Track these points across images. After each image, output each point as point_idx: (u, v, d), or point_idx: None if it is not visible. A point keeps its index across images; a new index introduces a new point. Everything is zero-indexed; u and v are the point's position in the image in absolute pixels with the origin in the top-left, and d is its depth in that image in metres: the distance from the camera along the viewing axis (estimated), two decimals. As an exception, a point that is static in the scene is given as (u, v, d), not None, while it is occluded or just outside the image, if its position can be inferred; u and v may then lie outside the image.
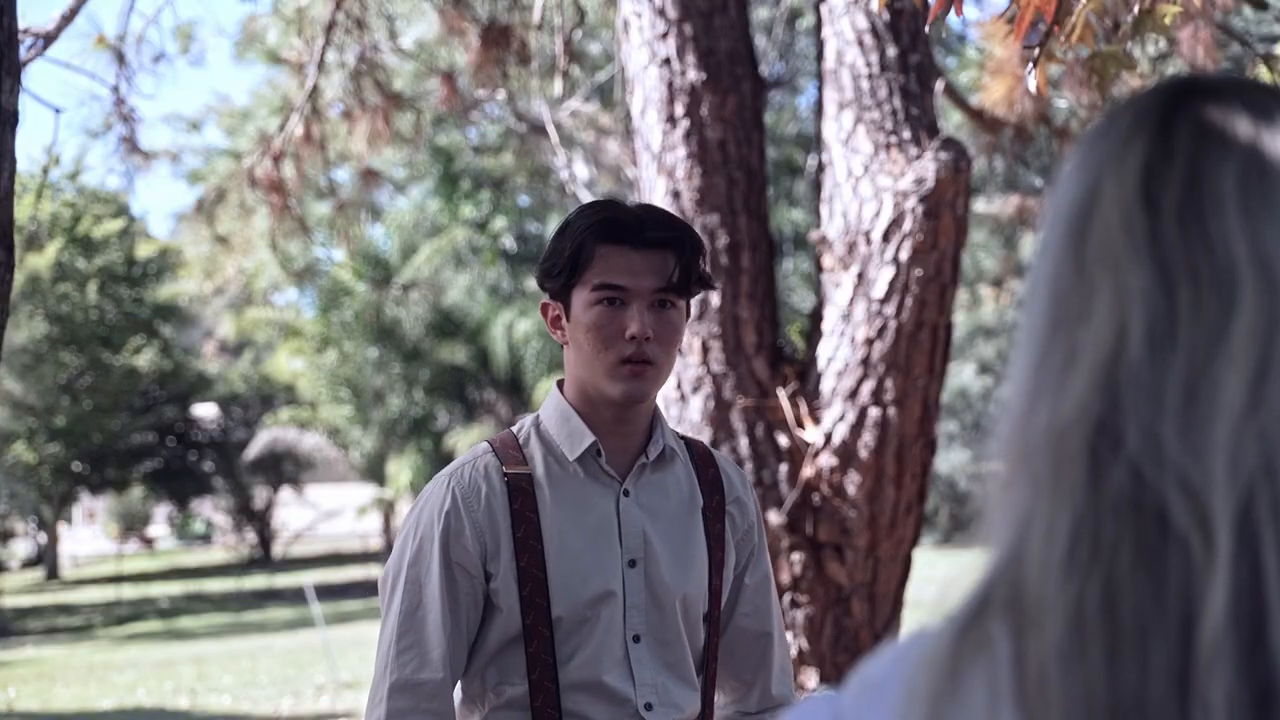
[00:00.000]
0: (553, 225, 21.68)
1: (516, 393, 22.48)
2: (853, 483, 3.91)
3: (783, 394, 3.98)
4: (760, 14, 13.62)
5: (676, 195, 4.03)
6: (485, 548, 1.81)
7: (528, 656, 1.81)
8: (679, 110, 4.07)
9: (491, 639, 1.83)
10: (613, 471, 1.88)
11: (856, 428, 3.91)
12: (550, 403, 1.91)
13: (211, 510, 34.08)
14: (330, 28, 6.01)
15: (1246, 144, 0.60)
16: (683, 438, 2.00)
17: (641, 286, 1.81)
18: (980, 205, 12.18)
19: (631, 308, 1.81)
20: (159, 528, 37.70)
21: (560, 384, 1.92)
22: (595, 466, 1.87)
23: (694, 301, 2.08)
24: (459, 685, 1.89)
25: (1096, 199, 0.61)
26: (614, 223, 1.83)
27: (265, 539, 31.52)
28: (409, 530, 1.86)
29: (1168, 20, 2.04)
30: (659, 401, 2.03)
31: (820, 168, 4.16)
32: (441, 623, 1.80)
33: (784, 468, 3.94)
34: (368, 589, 23.64)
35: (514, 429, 1.93)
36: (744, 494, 1.99)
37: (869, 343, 3.89)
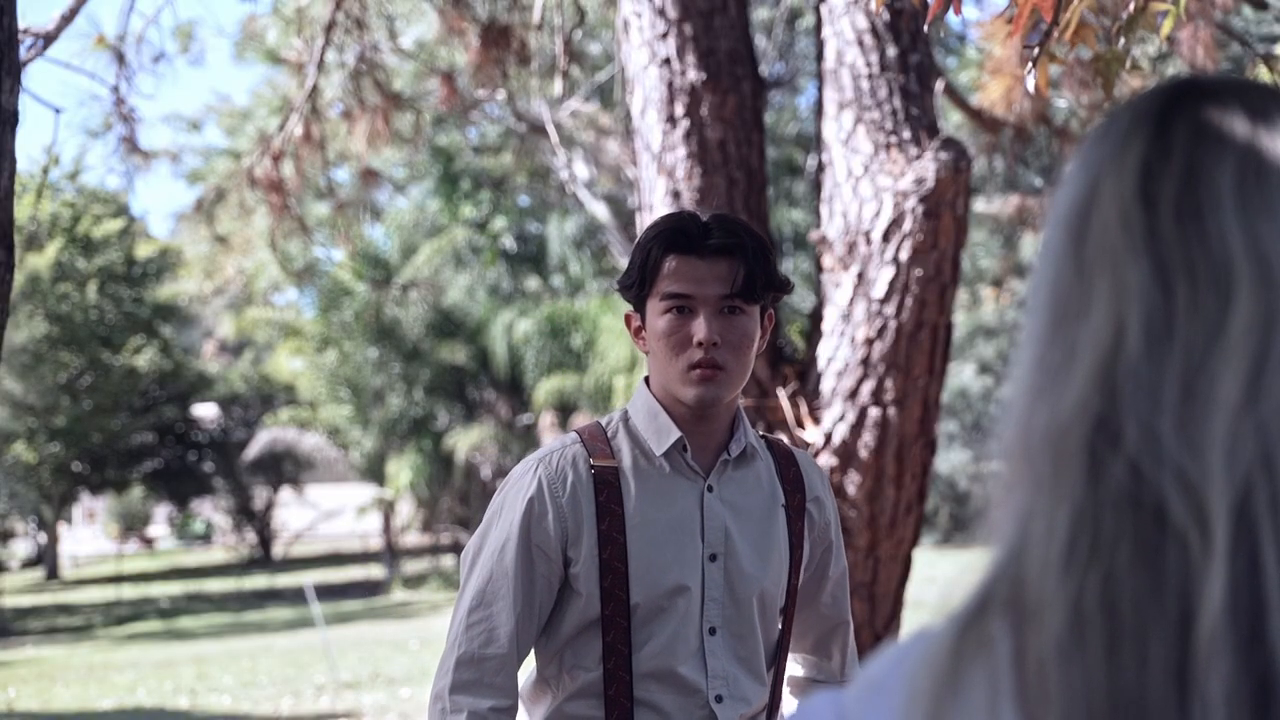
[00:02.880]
0: (553, 225, 21.72)
1: (516, 393, 22.48)
2: (853, 483, 3.91)
3: (783, 394, 3.98)
4: (760, 14, 13.62)
5: (676, 195, 4.03)
6: (566, 533, 1.88)
7: (604, 645, 1.87)
8: (679, 110, 4.07)
9: (568, 622, 1.90)
10: (697, 467, 1.93)
11: (856, 428, 3.91)
12: (639, 398, 1.97)
13: (211, 510, 34.06)
14: (330, 28, 6.01)
15: (1243, 142, 0.60)
16: (764, 437, 2.06)
17: (707, 294, 1.86)
18: (980, 205, 12.18)
19: (699, 315, 1.86)
20: (159, 528, 37.69)
21: (648, 380, 1.97)
22: (680, 462, 1.93)
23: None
24: (535, 665, 1.96)
25: (1095, 198, 0.62)
26: (677, 233, 1.89)
27: (265, 539, 31.50)
28: (494, 511, 1.93)
29: (1167, 25, 2.04)
30: None
31: (820, 168, 4.16)
32: (513, 601, 1.86)
33: (784, 467, 3.94)
34: (368, 589, 23.67)
35: (602, 421, 1.99)
36: (823, 493, 2.04)
37: (869, 343, 3.89)
